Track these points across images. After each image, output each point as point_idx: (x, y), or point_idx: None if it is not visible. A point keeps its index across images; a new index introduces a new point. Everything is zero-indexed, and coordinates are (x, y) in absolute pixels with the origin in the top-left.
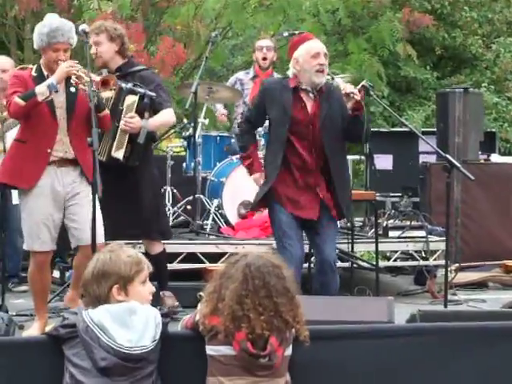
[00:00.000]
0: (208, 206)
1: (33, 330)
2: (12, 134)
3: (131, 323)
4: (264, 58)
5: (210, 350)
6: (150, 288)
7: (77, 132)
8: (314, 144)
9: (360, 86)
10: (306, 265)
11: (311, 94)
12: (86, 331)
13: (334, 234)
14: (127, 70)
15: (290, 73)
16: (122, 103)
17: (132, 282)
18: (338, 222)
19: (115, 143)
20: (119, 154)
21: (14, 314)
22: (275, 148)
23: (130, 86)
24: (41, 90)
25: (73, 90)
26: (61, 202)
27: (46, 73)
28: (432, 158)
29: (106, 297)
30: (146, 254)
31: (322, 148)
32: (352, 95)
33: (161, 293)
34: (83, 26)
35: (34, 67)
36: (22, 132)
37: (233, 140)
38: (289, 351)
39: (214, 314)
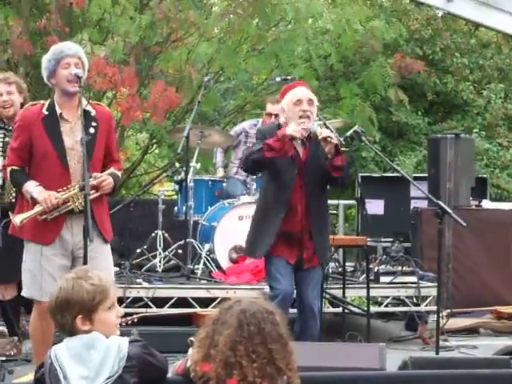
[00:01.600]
0: (199, 251)
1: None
2: None
3: (88, 358)
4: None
5: None
6: (117, 312)
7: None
8: (299, 194)
9: (352, 131)
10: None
11: (299, 141)
12: (49, 370)
13: (318, 279)
14: None
15: (281, 121)
16: None
17: (96, 310)
18: (328, 266)
19: None
20: None
21: (4, 359)
22: (278, 195)
23: None
24: (28, 194)
25: (92, 130)
26: (68, 251)
27: (59, 111)
28: (423, 204)
29: (71, 327)
30: None
31: (307, 197)
32: (329, 139)
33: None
34: (76, 71)
35: (47, 103)
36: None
37: (224, 184)
38: None
39: (206, 361)
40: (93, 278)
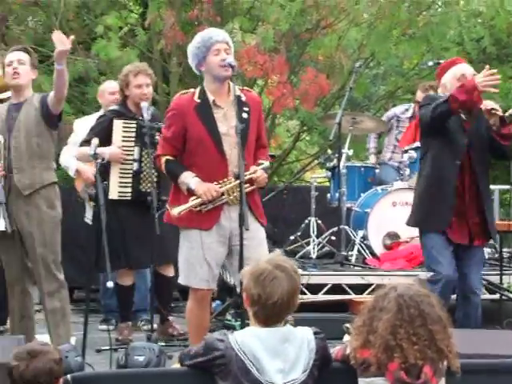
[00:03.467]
0: (353, 237)
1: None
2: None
3: (284, 351)
4: None
5: (363, 381)
6: None
7: (248, 160)
8: (466, 166)
9: (507, 114)
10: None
11: (462, 116)
12: (235, 362)
13: (481, 262)
14: None
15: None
16: None
17: None
18: (485, 252)
19: None
20: None
21: (164, 344)
22: (448, 166)
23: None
24: (184, 186)
25: (245, 115)
26: (226, 237)
27: (211, 98)
28: None
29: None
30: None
31: (474, 170)
32: (493, 111)
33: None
34: (229, 60)
35: (198, 91)
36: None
37: (377, 170)
38: (442, 383)
39: (365, 347)
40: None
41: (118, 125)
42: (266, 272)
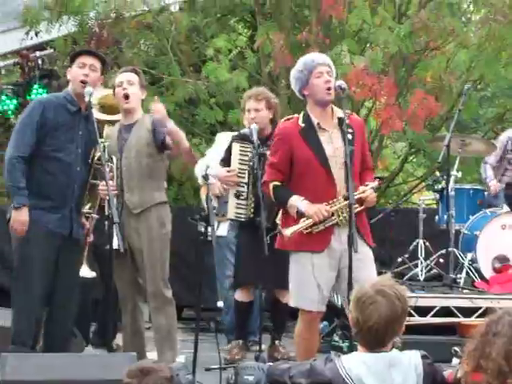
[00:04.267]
0: (461, 260)
1: None
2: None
3: (390, 377)
4: None
5: None
6: None
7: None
8: None
9: None
10: None
11: None
12: None
13: None
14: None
15: None
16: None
17: None
18: None
19: None
20: None
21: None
22: None
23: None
24: (293, 209)
25: (350, 137)
26: (336, 259)
27: (315, 121)
28: None
29: (397, 335)
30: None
31: None
32: None
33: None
34: (339, 82)
35: (301, 116)
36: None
37: (486, 193)
38: None
39: (477, 371)
40: (400, 286)
41: (235, 148)
42: (366, 296)
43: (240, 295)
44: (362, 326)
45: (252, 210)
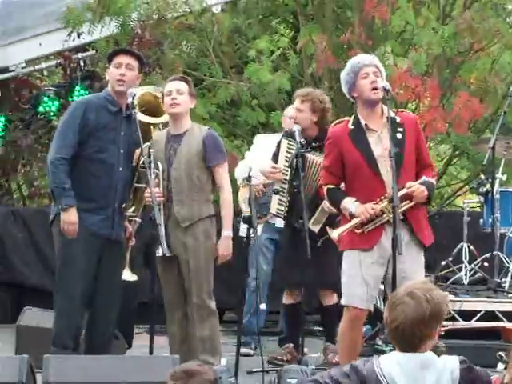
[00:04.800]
0: (506, 264)
1: None
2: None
3: (422, 379)
4: None
5: None
6: None
7: (406, 181)
8: None
9: None
10: None
11: None
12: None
13: None
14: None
15: None
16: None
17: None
18: None
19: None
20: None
21: (314, 367)
22: None
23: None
24: (346, 211)
25: (399, 136)
26: (385, 258)
27: (363, 122)
28: None
29: (427, 338)
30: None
31: None
32: None
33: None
34: (383, 83)
35: (352, 118)
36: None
37: None
38: None
39: None
40: (438, 290)
41: (284, 144)
42: (396, 297)
43: (286, 298)
44: (390, 325)
45: (287, 209)
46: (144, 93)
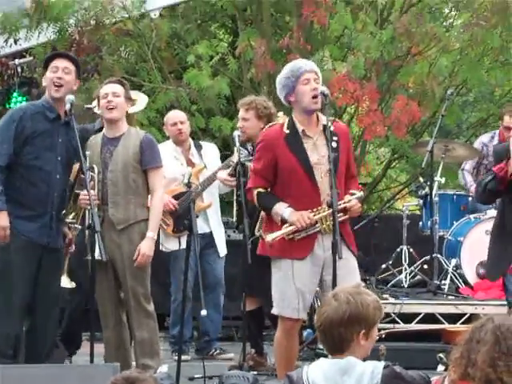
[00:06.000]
0: (445, 266)
1: None
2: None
3: None
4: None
5: None
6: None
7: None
8: None
9: None
10: None
11: None
12: None
13: None
14: None
15: None
16: None
17: (374, 327)
18: None
19: None
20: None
21: (255, 373)
22: None
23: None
24: (278, 216)
25: (334, 144)
26: (319, 266)
27: (300, 128)
28: None
29: (349, 342)
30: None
31: None
32: None
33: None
34: (322, 88)
35: (286, 122)
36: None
37: (470, 198)
38: None
39: (464, 380)
40: (372, 295)
41: (236, 153)
42: (324, 299)
43: (249, 304)
44: (317, 327)
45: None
46: None
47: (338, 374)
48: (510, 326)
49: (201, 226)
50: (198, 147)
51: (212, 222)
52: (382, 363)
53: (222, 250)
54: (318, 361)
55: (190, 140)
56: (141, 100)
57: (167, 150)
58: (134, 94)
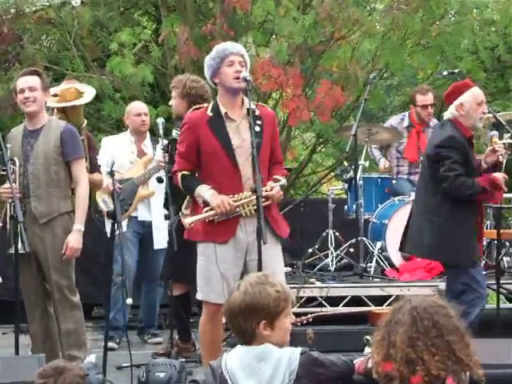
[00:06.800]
0: (371, 249)
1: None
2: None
3: (259, 371)
4: (429, 114)
5: None
6: (291, 317)
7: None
8: None
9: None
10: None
11: None
12: (220, 379)
13: None
14: None
15: (447, 115)
16: None
17: (278, 317)
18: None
19: None
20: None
21: (184, 360)
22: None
23: None
24: (200, 198)
25: (258, 129)
26: (242, 251)
27: (223, 111)
28: None
29: (252, 332)
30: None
31: None
32: (498, 153)
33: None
34: (244, 74)
35: (210, 105)
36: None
37: (394, 181)
38: None
39: (387, 361)
40: (276, 285)
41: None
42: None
43: (175, 289)
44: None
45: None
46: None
47: (254, 361)
48: (426, 306)
49: (143, 214)
50: (155, 142)
51: (154, 212)
52: (299, 349)
53: (159, 242)
54: (236, 348)
55: (148, 133)
56: (88, 92)
57: (120, 139)
58: (82, 86)
